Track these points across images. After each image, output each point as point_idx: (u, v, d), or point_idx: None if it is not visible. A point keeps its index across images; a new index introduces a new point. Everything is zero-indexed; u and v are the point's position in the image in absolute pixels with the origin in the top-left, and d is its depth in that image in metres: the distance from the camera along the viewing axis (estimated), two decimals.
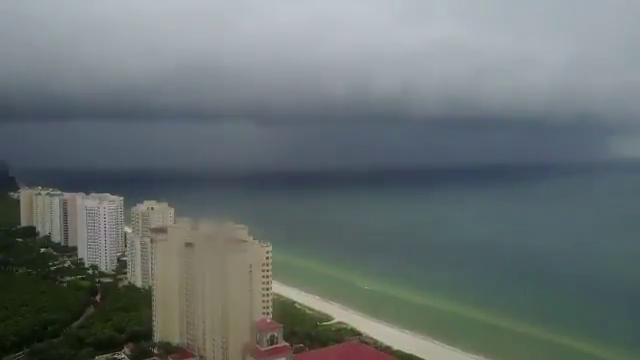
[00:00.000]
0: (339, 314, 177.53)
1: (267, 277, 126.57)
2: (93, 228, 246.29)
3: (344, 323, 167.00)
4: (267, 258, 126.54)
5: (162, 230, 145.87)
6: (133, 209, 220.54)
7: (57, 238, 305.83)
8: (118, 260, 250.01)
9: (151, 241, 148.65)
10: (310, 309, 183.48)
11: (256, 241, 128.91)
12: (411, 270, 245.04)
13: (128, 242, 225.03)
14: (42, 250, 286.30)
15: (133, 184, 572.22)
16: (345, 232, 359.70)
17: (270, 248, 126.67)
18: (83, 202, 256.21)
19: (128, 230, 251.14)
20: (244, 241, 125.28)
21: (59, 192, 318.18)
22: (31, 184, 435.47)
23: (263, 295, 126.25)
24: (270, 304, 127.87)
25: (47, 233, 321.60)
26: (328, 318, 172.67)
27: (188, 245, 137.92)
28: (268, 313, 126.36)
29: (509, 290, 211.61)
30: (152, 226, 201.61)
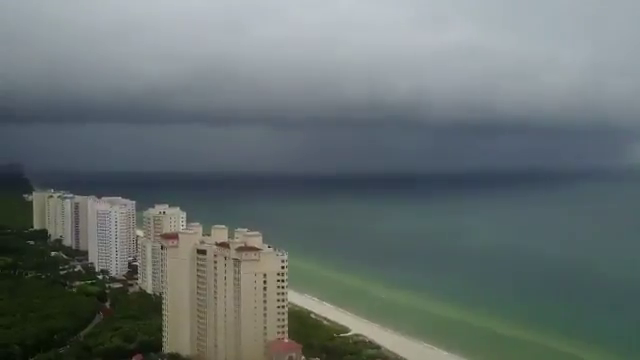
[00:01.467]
0: (356, 325, 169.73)
1: (282, 288, 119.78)
2: (104, 232, 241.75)
3: (362, 335, 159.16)
4: (283, 267, 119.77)
5: (173, 236, 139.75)
6: (144, 213, 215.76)
7: (68, 242, 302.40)
8: (129, 265, 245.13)
9: (161, 247, 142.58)
10: (326, 319, 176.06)
11: (271, 249, 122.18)
12: (432, 279, 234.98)
13: (139, 247, 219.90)
14: (53, 254, 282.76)
15: (147, 187, 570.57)
16: (361, 238, 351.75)
17: (286, 257, 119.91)
18: (94, 206, 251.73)
19: (140, 234, 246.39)
20: (258, 249, 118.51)
21: (71, 195, 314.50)
22: (45, 186, 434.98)
23: (278, 307, 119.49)
24: (286, 316, 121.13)
25: (58, 236, 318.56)
26: (345, 329, 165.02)
27: (200, 252, 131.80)
28: (284, 326, 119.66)
29: (539, 302, 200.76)
30: (163, 231, 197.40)
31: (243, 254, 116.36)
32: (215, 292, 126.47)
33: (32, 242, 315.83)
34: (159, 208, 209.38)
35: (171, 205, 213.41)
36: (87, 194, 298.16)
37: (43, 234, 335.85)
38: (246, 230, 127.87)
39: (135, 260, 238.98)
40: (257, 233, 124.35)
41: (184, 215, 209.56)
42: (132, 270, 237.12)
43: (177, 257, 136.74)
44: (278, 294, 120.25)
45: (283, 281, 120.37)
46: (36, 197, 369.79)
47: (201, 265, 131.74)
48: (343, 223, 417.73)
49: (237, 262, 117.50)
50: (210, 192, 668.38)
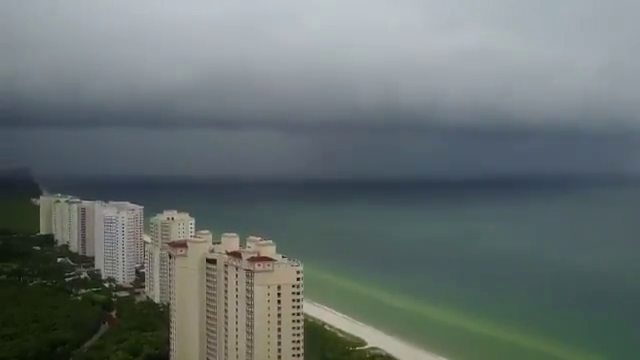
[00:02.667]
0: (372, 338, 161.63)
1: (298, 301, 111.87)
2: (111, 238, 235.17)
3: (379, 349, 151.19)
4: (298, 279, 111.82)
5: (181, 244, 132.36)
6: (152, 219, 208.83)
7: (75, 247, 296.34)
8: (136, 272, 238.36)
9: (169, 256, 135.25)
10: (341, 331, 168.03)
11: (285, 259, 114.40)
12: (452, 288, 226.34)
13: (147, 254, 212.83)
14: (59, 260, 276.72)
15: (156, 192, 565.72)
16: (376, 244, 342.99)
17: (301, 268, 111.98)
18: (101, 211, 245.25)
19: (148, 239, 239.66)
20: (272, 259, 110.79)
21: (77, 200, 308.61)
22: (54, 190, 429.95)
23: (293, 321, 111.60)
24: (301, 331, 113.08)
25: (65, 242, 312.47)
26: (361, 342, 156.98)
27: (210, 262, 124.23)
28: (299, 341, 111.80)
29: (561, 314, 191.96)
30: (171, 238, 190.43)
31: (256, 264, 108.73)
32: (226, 304, 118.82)
33: (38, 247, 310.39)
34: (167, 214, 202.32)
35: (180, 211, 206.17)
36: (96, 198, 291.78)
37: (50, 239, 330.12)
38: (259, 239, 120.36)
39: (143, 267, 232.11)
40: (270, 242, 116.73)
41: (193, 221, 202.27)
42: (139, 277, 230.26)
43: (186, 266, 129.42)
44: (293, 307, 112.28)
45: (298, 293, 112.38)
46: (43, 202, 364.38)
47: (211, 276, 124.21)
48: (356, 229, 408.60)
49: (250, 273, 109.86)
50: (220, 197, 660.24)
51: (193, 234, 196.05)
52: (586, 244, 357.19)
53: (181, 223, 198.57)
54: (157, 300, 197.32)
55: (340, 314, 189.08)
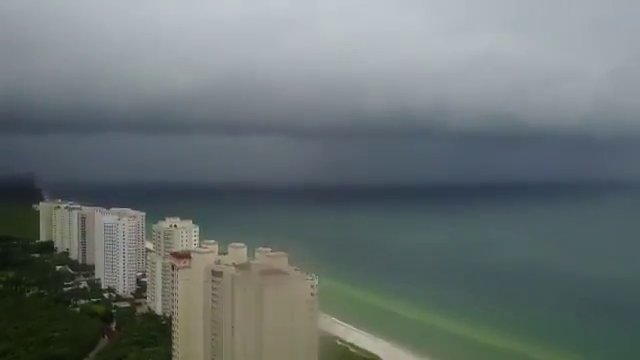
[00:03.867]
0: (388, 354, 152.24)
1: (312, 318, 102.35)
2: (111, 246, 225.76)
3: None
4: (312, 295, 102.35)
5: (185, 255, 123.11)
6: (154, 226, 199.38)
7: (75, 255, 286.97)
8: (138, 281, 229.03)
9: (172, 267, 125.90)
10: (353, 346, 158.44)
11: (298, 272, 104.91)
12: (470, 300, 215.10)
13: (148, 263, 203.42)
14: (58, 268, 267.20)
15: (161, 197, 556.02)
16: (389, 252, 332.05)
17: (316, 282, 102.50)
18: (101, 218, 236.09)
19: (150, 247, 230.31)
20: (285, 273, 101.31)
21: (78, 206, 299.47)
22: (57, 196, 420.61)
23: (307, 339, 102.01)
24: (315, 350, 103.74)
25: (65, 249, 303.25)
26: (375, 359, 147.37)
27: (216, 274, 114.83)
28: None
29: (591, 328, 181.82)
30: (174, 246, 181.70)
31: (267, 278, 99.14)
32: (233, 321, 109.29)
33: (37, 255, 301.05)
34: (170, 221, 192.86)
35: (183, 218, 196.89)
36: (100, 204, 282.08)
37: (49, 247, 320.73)
38: (269, 250, 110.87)
39: (144, 276, 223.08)
40: (282, 253, 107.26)
41: (197, 229, 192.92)
42: (141, 287, 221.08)
43: (190, 279, 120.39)
44: (306, 324, 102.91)
45: (312, 310, 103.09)
46: (43, 208, 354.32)
47: (217, 289, 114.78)
48: (369, 237, 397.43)
49: (260, 287, 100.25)
50: (225, 203, 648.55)
51: (197, 242, 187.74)
52: (608, 253, 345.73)
53: (184, 231, 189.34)
54: (159, 311, 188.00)
55: (353, 328, 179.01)
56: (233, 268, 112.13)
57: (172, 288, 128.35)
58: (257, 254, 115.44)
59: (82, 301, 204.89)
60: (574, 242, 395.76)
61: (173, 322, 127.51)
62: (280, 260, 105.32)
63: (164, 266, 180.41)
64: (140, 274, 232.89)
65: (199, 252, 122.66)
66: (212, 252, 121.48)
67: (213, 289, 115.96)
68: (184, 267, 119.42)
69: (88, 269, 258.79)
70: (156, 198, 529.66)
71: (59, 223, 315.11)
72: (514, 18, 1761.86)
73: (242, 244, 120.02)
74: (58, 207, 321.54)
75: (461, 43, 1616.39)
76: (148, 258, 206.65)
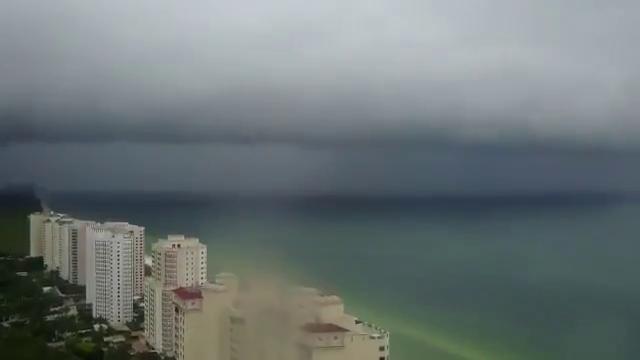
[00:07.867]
0: None
1: None
2: (104, 267, 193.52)
3: None
4: (382, 358, 69.79)
5: (193, 294, 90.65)
6: (154, 246, 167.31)
7: (66, 274, 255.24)
8: (135, 307, 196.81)
9: (176, 310, 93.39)
10: None
11: (360, 324, 72.39)
12: (504, 326, 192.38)
13: (147, 290, 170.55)
14: (45, 289, 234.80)
15: (168, 209, 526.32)
16: (412, 272, 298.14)
17: (387, 341, 69.96)
18: (93, 234, 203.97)
19: (150, 263, 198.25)
20: (343, 330, 68.66)
21: (70, 219, 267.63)
22: (56, 207, 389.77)
23: None
24: None
25: (55, 267, 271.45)
26: None
27: (236, 322, 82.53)
28: None
29: None
30: (177, 271, 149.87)
31: (318, 337, 66.56)
32: None
33: (25, 274, 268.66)
34: (172, 240, 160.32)
35: (187, 236, 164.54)
36: (103, 217, 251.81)
37: (39, 263, 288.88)
38: (314, 290, 78.37)
39: (142, 300, 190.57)
40: (336, 298, 74.69)
41: (205, 249, 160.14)
42: (138, 315, 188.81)
43: (200, 325, 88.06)
44: None
45: None
46: (33, 220, 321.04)
47: (238, 342, 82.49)
48: (389, 252, 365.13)
49: (306, 350, 67.81)
50: (237, 215, 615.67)
51: (204, 265, 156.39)
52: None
53: (189, 251, 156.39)
54: (159, 348, 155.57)
55: None
56: (260, 313, 79.89)
57: (176, 337, 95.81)
58: (292, 292, 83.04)
59: (68, 334, 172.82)
60: (603, 257, 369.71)
61: None
62: (333, 308, 72.74)
63: (164, 295, 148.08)
64: (138, 297, 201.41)
65: (212, 290, 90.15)
66: (229, 290, 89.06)
67: (233, 341, 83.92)
68: (193, 310, 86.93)
69: (79, 291, 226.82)
70: (163, 209, 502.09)
71: (49, 238, 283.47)
72: (530, 29, 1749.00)
73: (272, 277, 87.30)
74: (48, 220, 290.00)
75: (477, 54, 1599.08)
76: (146, 284, 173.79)
